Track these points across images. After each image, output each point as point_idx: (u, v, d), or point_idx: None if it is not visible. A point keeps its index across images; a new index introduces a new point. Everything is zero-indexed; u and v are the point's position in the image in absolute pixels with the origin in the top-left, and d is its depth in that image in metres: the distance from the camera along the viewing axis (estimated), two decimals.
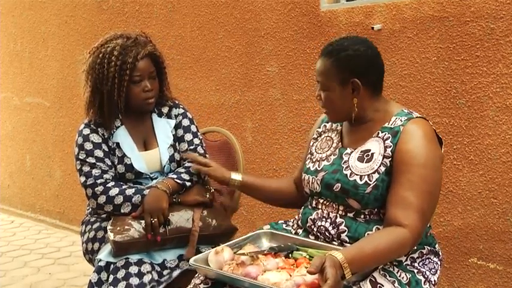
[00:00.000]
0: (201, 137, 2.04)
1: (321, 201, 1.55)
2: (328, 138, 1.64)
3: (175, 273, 1.78)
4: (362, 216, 1.46)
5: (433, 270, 1.49)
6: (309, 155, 1.65)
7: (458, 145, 2.25)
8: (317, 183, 1.55)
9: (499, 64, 2.12)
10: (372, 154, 1.46)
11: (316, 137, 1.69)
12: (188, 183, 1.87)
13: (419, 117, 1.49)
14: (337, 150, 1.57)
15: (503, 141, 2.14)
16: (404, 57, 2.35)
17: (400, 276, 1.40)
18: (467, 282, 2.28)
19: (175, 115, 2.02)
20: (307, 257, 1.43)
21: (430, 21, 2.26)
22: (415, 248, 1.47)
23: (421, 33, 2.29)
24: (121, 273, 1.69)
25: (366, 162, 1.46)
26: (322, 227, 1.51)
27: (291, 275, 1.31)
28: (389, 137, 1.46)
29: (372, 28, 2.39)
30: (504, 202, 2.16)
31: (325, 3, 2.60)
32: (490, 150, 2.17)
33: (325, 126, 1.69)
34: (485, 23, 2.13)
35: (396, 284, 1.38)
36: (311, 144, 1.68)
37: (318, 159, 1.60)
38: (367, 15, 2.43)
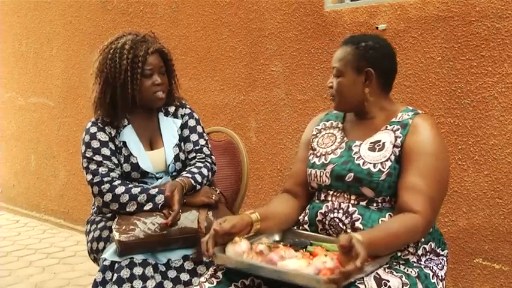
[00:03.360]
0: (206, 138, 2.04)
1: (331, 193, 1.56)
2: (330, 134, 1.65)
3: (184, 276, 1.77)
4: (375, 204, 1.48)
5: (439, 265, 1.52)
6: (311, 151, 1.66)
7: (463, 145, 2.24)
8: (326, 176, 1.55)
9: (504, 64, 2.11)
10: (384, 143, 1.50)
11: (315, 133, 1.69)
12: (199, 186, 1.88)
13: (424, 113, 1.56)
14: (343, 144, 1.58)
15: (508, 141, 2.13)
16: (409, 57, 2.34)
17: (407, 271, 1.42)
18: (472, 282, 2.27)
19: (181, 115, 2.02)
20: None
21: (435, 21, 2.26)
22: (419, 244, 1.48)
23: (425, 33, 2.29)
24: (125, 273, 1.69)
25: (378, 151, 1.49)
26: (335, 219, 1.51)
27: (309, 263, 1.31)
28: (398, 129, 1.51)
29: (377, 28, 2.39)
30: (509, 202, 2.15)
31: (329, 3, 2.60)
32: (495, 150, 2.16)
33: (324, 124, 1.70)
34: (491, 22, 2.13)
35: (404, 278, 1.38)
36: (311, 140, 1.69)
37: (323, 153, 1.60)
38: (372, 15, 2.43)
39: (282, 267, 1.29)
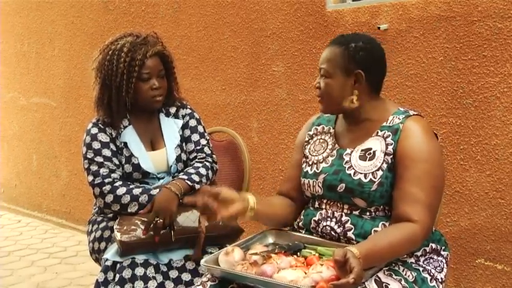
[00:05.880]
0: (208, 138, 2.04)
1: (324, 201, 1.55)
2: (321, 140, 1.63)
3: (186, 276, 1.78)
4: (368, 214, 1.47)
5: (438, 268, 1.50)
6: (304, 159, 1.64)
7: (465, 145, 2.24)
8: (318, 186, 1.54)
9: (506, 64, 2.11)
10: (374, 152, 1.48)
11: (307, 139, 1.67)
12: (197, 186, 1.88)
13: (416, 114, 1.52)
14: (334, 152, 1.56)
15: (510, 141, 2.13)
16: (410, 57, 2.34)
17: (406, 274, 1.41)
18: (474, 283, 2.27)
19: (182, 115, 2.02)
20: (317, 255, 1.43)
21: (437, 21, 2.25)
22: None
23: (427, 33, 2.28)
24: (127, 273, 1.70)
25: (368, 161, 1.47)
26: (327, 227, 1.51)
27: (305, 273, 1.30)
28: (389, 135, 1.47)
29: (378, 28, 2.39)
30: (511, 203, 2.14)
31: (331, 3, 2.60)
32: (497, 150, 2.16)
33: (316, 129, 1.67)
34: (493, 22, 2.12)
35: (403, 282, 1.38)
36: (304, 147, 1.66)
37: (315, 161, 1.59)
38: (374, 15, 2.43)
39: (279, 280, 1.28)
